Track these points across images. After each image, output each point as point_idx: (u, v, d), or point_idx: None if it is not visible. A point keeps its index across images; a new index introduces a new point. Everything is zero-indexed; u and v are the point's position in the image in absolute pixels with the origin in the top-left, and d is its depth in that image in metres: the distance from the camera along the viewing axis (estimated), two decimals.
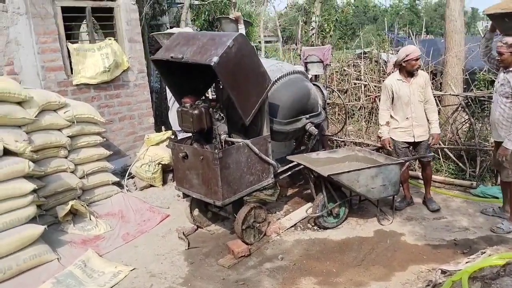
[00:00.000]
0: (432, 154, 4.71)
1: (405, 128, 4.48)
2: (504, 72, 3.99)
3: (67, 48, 5.40)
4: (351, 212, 4.53)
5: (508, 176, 4.07)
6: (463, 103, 5.79)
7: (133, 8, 6.10)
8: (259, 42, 18.47)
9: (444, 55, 7.05)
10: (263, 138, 4.11)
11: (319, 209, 4.19)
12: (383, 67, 7.74)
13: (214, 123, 3.96)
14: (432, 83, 6.16)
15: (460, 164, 5.56)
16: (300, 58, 6.75)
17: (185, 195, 4.29)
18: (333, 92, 7.43)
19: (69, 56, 5.44)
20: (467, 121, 5.92)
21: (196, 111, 3.85)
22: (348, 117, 7.29)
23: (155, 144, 5.67)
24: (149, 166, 5.49)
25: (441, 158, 5.72)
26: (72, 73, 5.48)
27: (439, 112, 5.22)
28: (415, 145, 4.58)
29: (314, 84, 5.09)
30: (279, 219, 4.53)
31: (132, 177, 5.73)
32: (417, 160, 5.10)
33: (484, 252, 2.98)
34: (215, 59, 3.36)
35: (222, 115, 3.98)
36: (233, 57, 3.53)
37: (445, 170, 5.63)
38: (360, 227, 4.31)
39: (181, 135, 5.15)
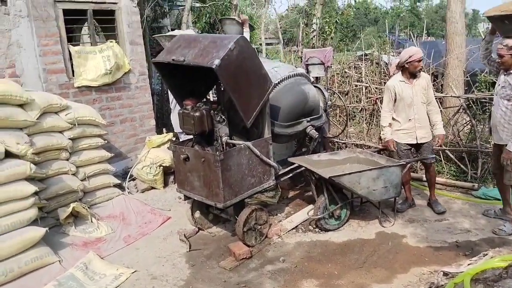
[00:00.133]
0: (434, 156, 4.70)
1: (408, 130, 4.48)
2: (504, 75, 3.98)
3: (69, 50, 5.43)
4: (353, 214, 4.52)
5: (510, 179, 4.04)
6: (465, 105, 5.78)
7: (135, 11, 6.12)
8: (260, 44, 18.47)
9: (445, 57, 7.03)
10: (264, 140, 4.11)
11: (321, 211, 4.18)
12: (384, 69, 7.74)
13: (216, 125, 3.97)
14: (433, 85, 6.14)
15: (462, 166, 5.55)
16: (301, 60, 6.75)
17: (186, 197, 4.28)
18: (334, 94, 7.44)
19: (71, 59, 5.46)
20: (468, 122, 5.91)
21: (197, 113, 3.85)
22: (349, 119, 7.29)
23: (156, 146, 5.68)
24: (150, 168, 5.49)
25: (443, 160, 5.72)
26: (73, 76, 5.50)
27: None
28: (417, 147, 4.57)
29: (315, 86, 5.08)
30: (280, 221, 4.52)
31: (133, 179, 5.73)
32: (420, 162, 5.09)
33: (486, 254, 2.97)
34: (217, 61, 3.36)
35: (223, 117, 3.98)
36: (235, 60, 3.53)
37: (447, 172, 5.62)
38: (361, 229, 4.31)
39: (183, 137, 5.15)
